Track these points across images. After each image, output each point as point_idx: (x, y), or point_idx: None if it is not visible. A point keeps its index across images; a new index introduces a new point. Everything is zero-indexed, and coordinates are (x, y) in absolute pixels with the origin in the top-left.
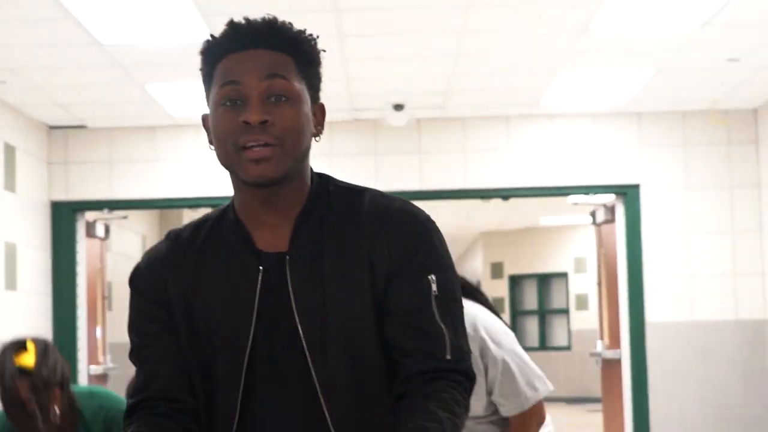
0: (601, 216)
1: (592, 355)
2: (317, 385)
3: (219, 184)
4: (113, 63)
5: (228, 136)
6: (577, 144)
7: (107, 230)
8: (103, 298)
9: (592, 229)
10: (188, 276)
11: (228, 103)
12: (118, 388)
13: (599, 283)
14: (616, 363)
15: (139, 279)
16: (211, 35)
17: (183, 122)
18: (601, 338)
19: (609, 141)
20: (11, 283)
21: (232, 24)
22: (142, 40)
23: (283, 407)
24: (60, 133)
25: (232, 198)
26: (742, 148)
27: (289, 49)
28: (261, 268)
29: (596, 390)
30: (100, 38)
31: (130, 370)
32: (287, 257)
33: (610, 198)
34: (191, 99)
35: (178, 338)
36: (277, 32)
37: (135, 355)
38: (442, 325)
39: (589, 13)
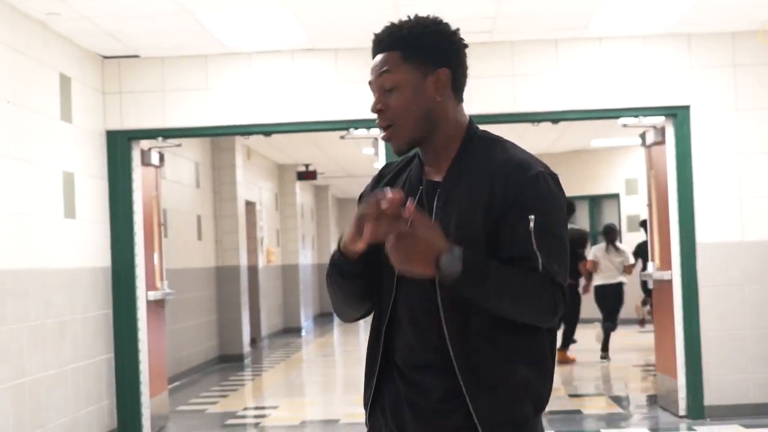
0: (651, 138)
1: (644, 275)
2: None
3: (269, 111)
4: None
5: None
6: (626, 66)
7: (162, 158)
8: (159, 225)
9: (642, 150)
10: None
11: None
12: (176, 314)
13: (649, 205)
14: (667, 283)
15: (369, 187)
16: None
17: (234, 50)
18: (653, 259)
19: (658, 63)
20: (70, 212)
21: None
22: None
23: (413, 294)
24: (113, 63)
25: None
26: None
27: (396, 45)
28: (421, 188)
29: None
30: None
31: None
32: (440, 185)
33: (660, 120)
34: (242, 27)
35: None
36: (390, 35)
37: None
38: (537, 251)
39: None
